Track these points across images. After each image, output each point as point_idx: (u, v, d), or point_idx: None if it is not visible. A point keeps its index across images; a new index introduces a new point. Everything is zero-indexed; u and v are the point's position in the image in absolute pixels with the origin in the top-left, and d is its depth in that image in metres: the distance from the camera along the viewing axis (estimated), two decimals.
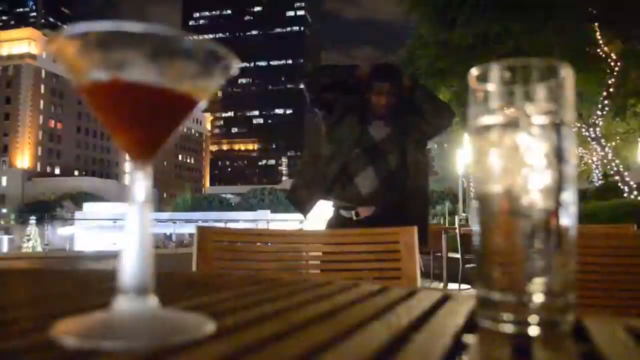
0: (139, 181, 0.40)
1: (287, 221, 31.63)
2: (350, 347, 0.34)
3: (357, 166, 2.19)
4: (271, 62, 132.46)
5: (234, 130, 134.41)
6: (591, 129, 11.72)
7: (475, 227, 0.43)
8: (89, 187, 60.34)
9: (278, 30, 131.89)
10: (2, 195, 69.02)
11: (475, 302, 0.43)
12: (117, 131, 0.40)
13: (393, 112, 2.24)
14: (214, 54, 0.39)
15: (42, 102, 74.48)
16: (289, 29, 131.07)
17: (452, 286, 5.55)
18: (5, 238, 36.61)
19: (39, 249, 29.32)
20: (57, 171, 76.57)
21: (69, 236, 32.96)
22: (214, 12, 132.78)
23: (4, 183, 71.06)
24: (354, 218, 2.18)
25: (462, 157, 13.26)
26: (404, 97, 2.26)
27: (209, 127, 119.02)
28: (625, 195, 11.09)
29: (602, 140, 12.18)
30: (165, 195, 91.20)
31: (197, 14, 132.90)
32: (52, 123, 76.15)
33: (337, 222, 2.23)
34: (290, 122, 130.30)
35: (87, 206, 39.36)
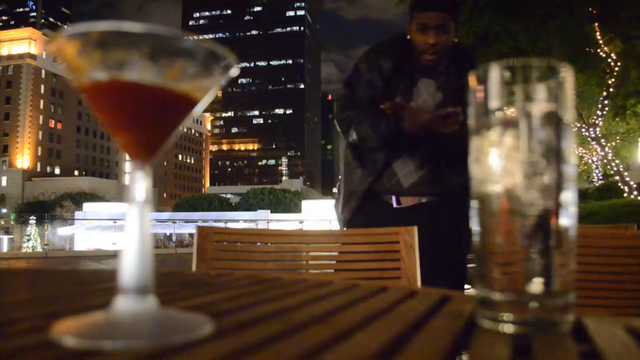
0: (139, 181, 0.40)
1: (287, 221, 31.72)
2: (350, 347, 0.34)
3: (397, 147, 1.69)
4: (271, 62, 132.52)
5: (234, 130, 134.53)
6: (591, 129, 11.72)
7: (475, 227, 0.43)
8: (89, 187, 60.30)
9: (278, 30, 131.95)
10: (2, 195, 69.03)
11: (475, 302, 0.43)
12: (117, 131, 0.40)
13: (445, 68, 1.67)
14: (214, 54, 0.39)
15: (42, 102, 74.49)
16: (289, 29, 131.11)
17: None
18: (5, 238, 36.60)
19: (39, 249, 29.33)
20: (57, 171, 76.59)
21: (69, 236, 32.98)
22: (214, 12, 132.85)
23: (4, 183, 71.07)
24: (395, 205, 1.73)
25: None
26: (459, 48, 1.73)
27: (209, 127, 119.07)
28: (625, 195, 11.10)
29: (602, 140, 12.19)
30: (165, 195, 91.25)
31: (197, 14, 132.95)
32: (52, 123, 76.15)
33: (375, 206, 1.74)
34: (290, 122, 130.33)
35: (87, 206, 39.37)
